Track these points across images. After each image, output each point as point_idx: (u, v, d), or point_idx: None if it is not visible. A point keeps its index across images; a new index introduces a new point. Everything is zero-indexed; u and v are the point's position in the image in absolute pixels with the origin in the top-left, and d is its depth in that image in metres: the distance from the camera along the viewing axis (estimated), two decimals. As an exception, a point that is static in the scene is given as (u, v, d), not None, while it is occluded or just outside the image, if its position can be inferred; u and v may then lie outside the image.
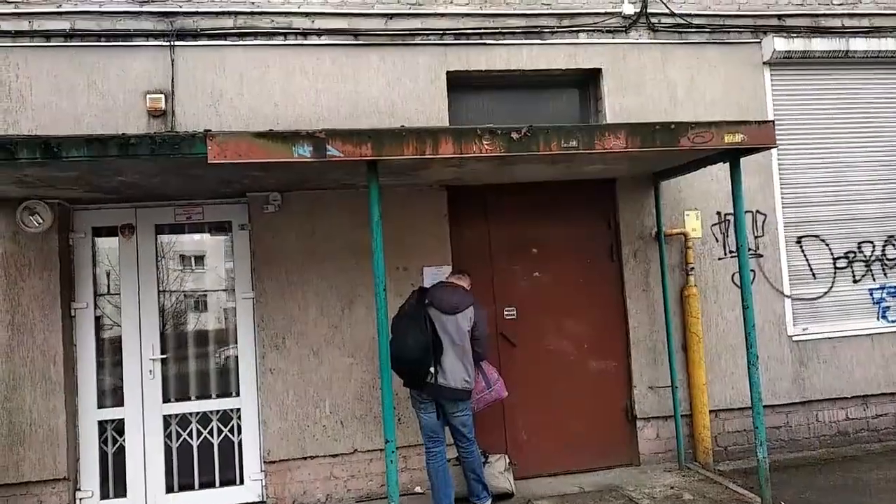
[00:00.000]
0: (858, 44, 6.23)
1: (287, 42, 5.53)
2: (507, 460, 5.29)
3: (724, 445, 5.94)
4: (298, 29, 5.56)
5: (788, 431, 6.04)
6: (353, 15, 5.64)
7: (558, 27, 5.98)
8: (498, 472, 5.14)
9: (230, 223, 5.52)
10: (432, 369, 4.61)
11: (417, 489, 5.43)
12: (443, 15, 5.80)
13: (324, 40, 5.58)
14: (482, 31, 5.85)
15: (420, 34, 5.74)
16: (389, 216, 5.45)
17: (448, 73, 5.76)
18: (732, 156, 4.67)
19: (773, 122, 4.51)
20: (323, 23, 5.60)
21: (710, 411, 5.81)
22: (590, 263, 5.96)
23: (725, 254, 6.07)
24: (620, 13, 6.06)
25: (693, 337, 5.81)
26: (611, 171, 5.52)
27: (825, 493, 5.02)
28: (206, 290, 5.68)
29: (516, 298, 5.82)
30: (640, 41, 6.08)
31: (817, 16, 6.34)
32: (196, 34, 5.43)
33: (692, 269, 5.91)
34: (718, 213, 6.08)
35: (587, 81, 6.20)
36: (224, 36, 5.47)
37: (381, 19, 5.71)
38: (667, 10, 6.12)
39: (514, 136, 4.15)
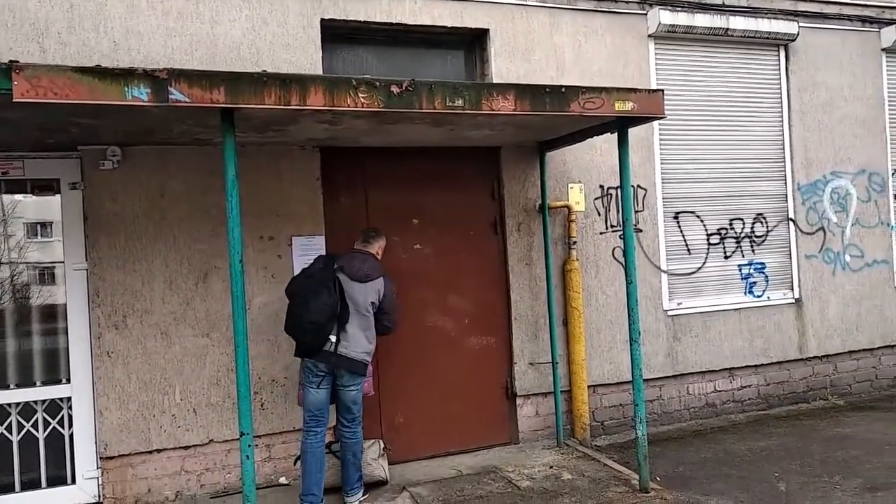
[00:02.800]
0: (738, 22, 6.28)
1: (131, -30, 4.72)
2: (382, 445, 4.92)
3: (601, 420, 5.90)
4: (145, -45, 4.76)
5: (661, 405, 6.11)
6: (212, -55, 4.91)
7: (444, -20, 5.55)
8: (371, 459, 4.75)
9: (58, 181, 4.66)
10: (333, 337, 4.23)
11: (282, 479, 4.94)
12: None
13: (176, -28, 4.82)
14: (364, -24, 5.31)
15: (291, -25, 5.12)
16: (254, 179, 4.89)
17: (323, 20, 5.18)
18: (621, 125, 4.48)
19: (662, 91, 4.35)
20: (175, -49, 4.83)
21: (589, 386, 5.74)
22: (473, 235, 5.66)
23: (607, 228, 5.98)
24: (509, -29, 5.73)
25: (574, 312, 5.68)
26: (497, 137, 5.21)
27: (697, 467, 5.06)
28: (29, 262, 4.80)
29: (395, 272, 5.35)
30: (528, 3, 5.78)
31: (700, -9, 6.34)
32: (14, -49, 4.50)
33: (574, 243, 5.77)
34: (601, 187, 5.97)
35: (474, 42, 5.84)
36: (51, -44, 4.58)
37: (246, -46, 5.01)
38: (556, -27, 5.85)
39: (395, 89, 3.70)
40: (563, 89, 4.07)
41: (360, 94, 3.62)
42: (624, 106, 4.17)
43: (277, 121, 4.00)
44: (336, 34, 5.35)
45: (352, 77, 3.66)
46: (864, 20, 6.98)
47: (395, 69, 5.58)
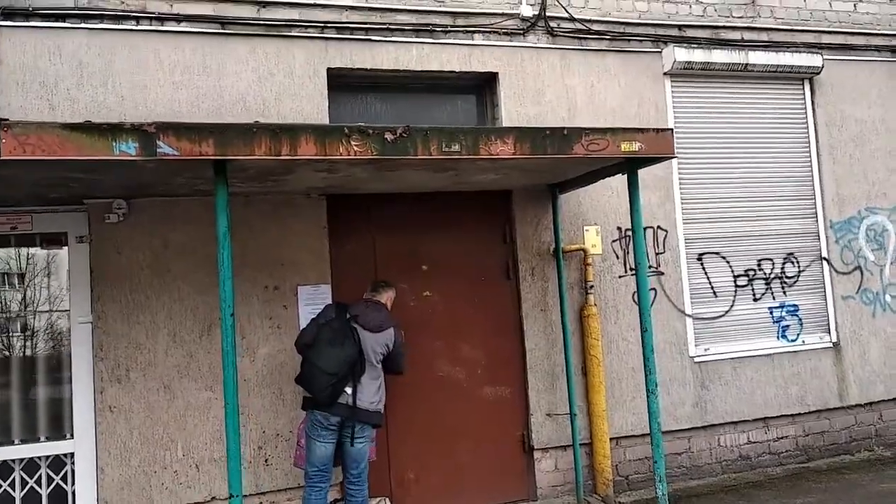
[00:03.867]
0: (758, 57, 6.10)
1: (139, 27, 4.81)
2: (388, 504, 4.72)
3: (626, 475, 5.58)
4: (154, 13, 4.84)
5: (690, 457, 5.75)
6: (219, 0, 4.99)
7: (452, 27, 5.53)
8: (376, 519, 4.55)
9: (65, 235, 4.70)
10: (349, 388, 4.18)
11: (287, 540, 4.76)
12: (324, 6, 5.23)
13: (184, 27, 4.89)
14: (368, 26, 5.32)
15: (297, 26, 5.15)
16: (260, 228, 4.87)
17: (329, 70, 5.19)
18: (630, 166, 4.32)
19: (671, 130, 4.19)
20: (183, 7, 4.91)
21: (611, 439, 5.44)
22: (484, 281, 5.50)
23: (626, 271, 5.75)
24: (518, 15, 5.68)
25: (593, 360, 5.43)
26: (505, 181, 5.09)
27: (727, 528, 4.72)
28: (36, 313, 4.81)
29: (405, 320, 5.19)
30: (538, 45, 5.72)
31: (717, 27, 6.19)
32: (28, 14, 4.63)
33: (592, 287, 5.55)
34: (619, 229, 5.76)
35: (483, 86, 5.78)
36: (63, 17, 4.69)
37: (252, 7, 5.08)
38: (566, 15, 5.78)
39: (389, 137, 3.62)
40: (566, 131, 3.94)
41: (353, 143, 3.55)
42: (630, 147, 4.01)
43: (272, 171, 3.96)
44: (343, 82, 5.35)
45: (344, 125, 3.61)
46: (894, 50, 6.71)
47: (404, 115, 5.55)
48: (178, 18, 4.89)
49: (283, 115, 4.97)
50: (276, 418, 4.79)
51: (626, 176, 4.46)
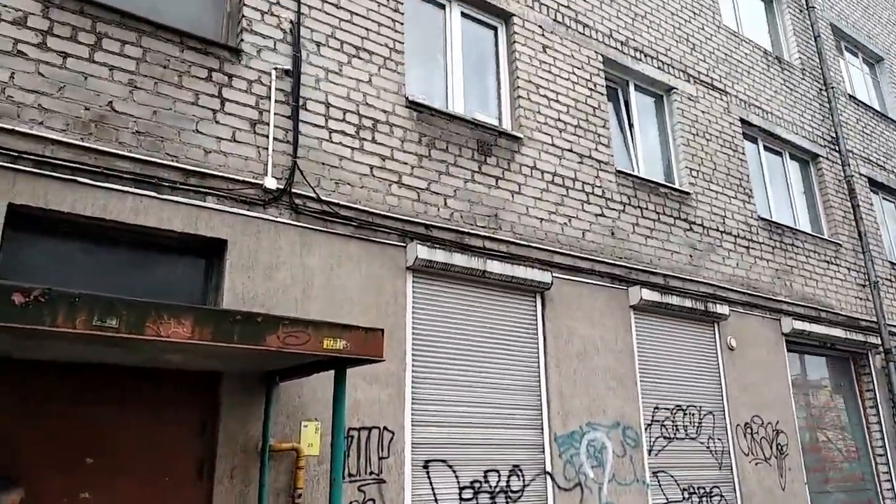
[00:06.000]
0: (496, 266, 6.31)
1: None
2: None
3: None
4: None
5: None
6: None
7: (182, 184, 5.03)
8: None
9: None
10: None
11: None
12: (23, 134, 4.49)
13: None
14: (78, 165, 4.63)
15: (-19, 150, 4.33)
16: None
17: (12, 206, 4.34)
18: (338, 364, 3.90)
19: (381, 331, 3.89)
20: None
21: None
22: (169, 482, 4.53)
23: (346, 476, 5.13)
24: (262, 185, 5.37)
25: (287, 588, 4.56)
26: (205, 364, 4.39)
27: None
28: None
29: (45, 530, 4.07)
30: (279, 219, 5.39)
31: (462, 233, 6.37)
32: None
33: (300, 495, 4.83)
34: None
35: (212, 253, 5.22)
36: None
37: (-77, 119, 4.20)
38: (313, 195, 5.59)
39: (18, 299, 2.85)
40: (259, 319, 3.46)
41: (-44, 300, 2.72)
42: (334, 344, 3.62)
43: None
44: (33, 224, 4.51)
45: (-48, 277, 2.79)
46: (614, 278, 7.39)
47: (113, 272, 4.80)
48: None
49: (-75, 251, 3.95)
50: None
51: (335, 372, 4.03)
